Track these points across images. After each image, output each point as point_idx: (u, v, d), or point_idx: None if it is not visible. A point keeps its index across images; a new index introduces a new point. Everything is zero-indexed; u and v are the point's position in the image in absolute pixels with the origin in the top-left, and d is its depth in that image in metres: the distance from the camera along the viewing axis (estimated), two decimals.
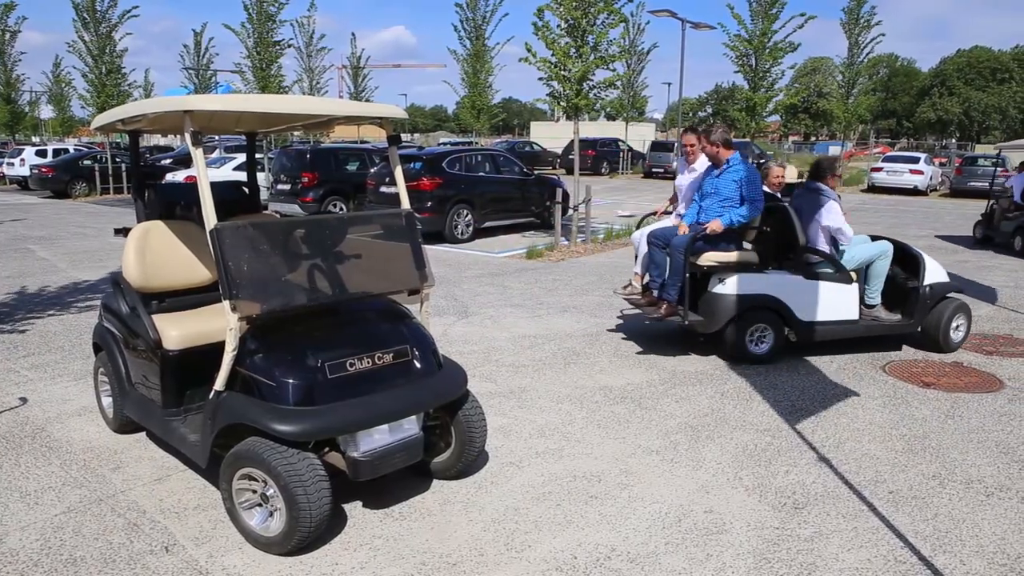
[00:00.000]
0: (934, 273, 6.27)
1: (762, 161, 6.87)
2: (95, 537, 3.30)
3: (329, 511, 3.11)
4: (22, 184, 24.75)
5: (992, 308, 7.96)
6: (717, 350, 6.27)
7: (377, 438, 3.32)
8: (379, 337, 3.55)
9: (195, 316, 4.04)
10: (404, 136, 49.39)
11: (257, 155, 5.45)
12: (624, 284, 6.63)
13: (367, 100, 31.10)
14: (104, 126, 4.18)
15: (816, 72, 70.41)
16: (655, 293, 6.12)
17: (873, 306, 6.20)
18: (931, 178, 25.94)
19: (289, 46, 22.42)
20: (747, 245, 6.09)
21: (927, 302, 6.20)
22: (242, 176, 5.43)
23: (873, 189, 25.82)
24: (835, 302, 6.00)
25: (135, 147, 4.69)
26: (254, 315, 3.18)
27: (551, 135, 42.39)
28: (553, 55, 11.94)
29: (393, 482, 3.78)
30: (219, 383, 3.27)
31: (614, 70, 12.55)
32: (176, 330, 3.83)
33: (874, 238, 6.40)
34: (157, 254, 4.07)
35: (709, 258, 5.84)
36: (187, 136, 3.22)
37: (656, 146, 34.41)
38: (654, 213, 7.41)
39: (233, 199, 4.80)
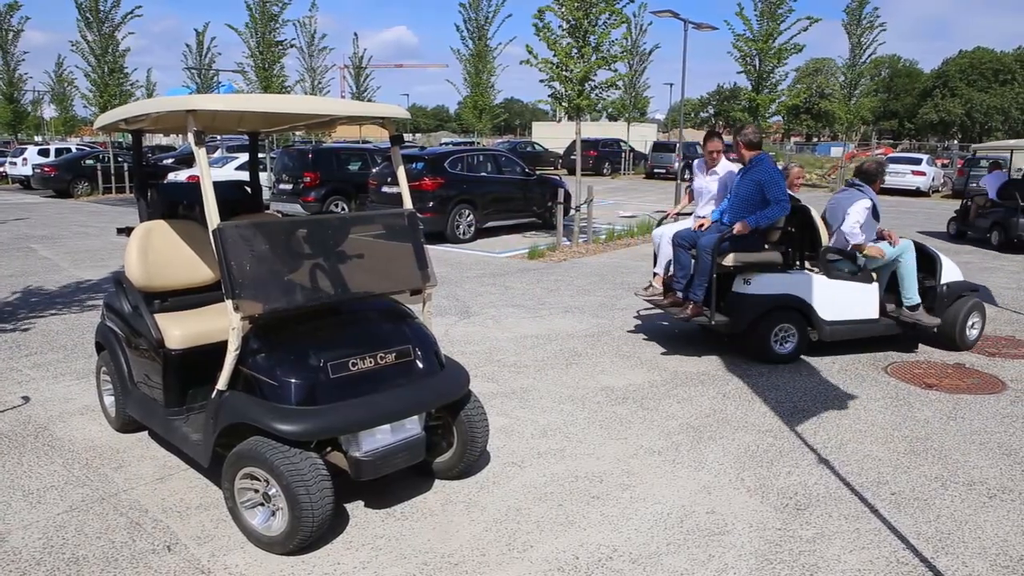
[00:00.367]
0: (950, 272, 6.38)
1: (787, 163, 6.94)
2: (97, 536, 3.30)
3: (331, 511, 3.11)
4: (24, 183, 24.80)
5: (994, 310, 7.95)
6: (723, 351, 6.28)
7: (379, 438, 3.32)
8: (381, 337, 3.55)
9: (197, 315, 4.05)
10: (406, 136, 49.40)
11: (259, 155, 5.45)
12: (645, 286, 6.64)
13: (369, 100, 31.12)
14: (107, 125, 4.19)
15: (818, 73, 70.34)
16: (679, 294, 6.12)
17: (915, 307, 6.11)
18: (933, 179, 25.92)
19: (291, 46, 22.44)
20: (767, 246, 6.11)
21: (944, 301, 6.28)
22: (244, 176, 5.44)
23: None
24: (856, 302, 6.06)
25: (138, 146, 4.69)
26: (256, 315, 3.18)
27: (553, 135, 42.37)
28: (555, 56, 11.94)
29: (395, 482, 3.78)
30: (221, 382, 3.28)
31: (616, 70, 12.55)
32: (178, 329, 3.83)
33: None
34: (160, 253, 4.07)
35: (733, 259, 5.85)
36: (190, 136, 3.22)
37: (658, 147, 34.39)
38: (667, 215, 7.43)
39: (235, 199, 4.81)
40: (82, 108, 32.16)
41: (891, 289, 6.26)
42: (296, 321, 3.42)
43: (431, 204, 12.34)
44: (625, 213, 17.87)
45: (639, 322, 7.32)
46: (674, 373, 5.78)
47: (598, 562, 3.14)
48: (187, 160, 23.65)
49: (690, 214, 6.93)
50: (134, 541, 3.26)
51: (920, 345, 6.54)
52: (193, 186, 3.91)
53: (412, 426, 3.46)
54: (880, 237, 6.25)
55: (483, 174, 13.82)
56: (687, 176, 24.75)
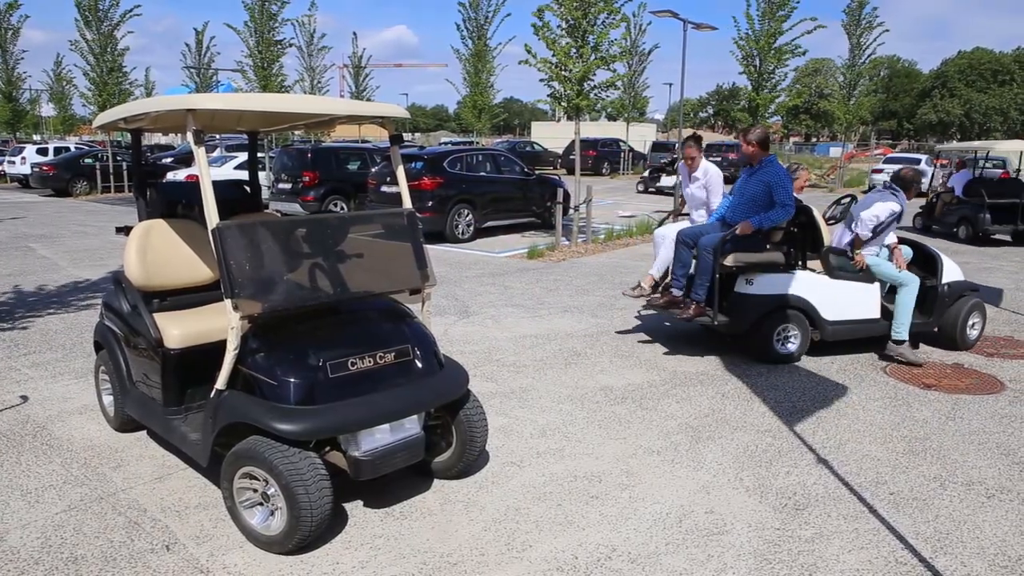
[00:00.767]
0: (951, 272, 6.38)
1: (794, 165, 6.94)
2: (96, 535, 3.30)
3: (330, 510, 3.11)
4: (23, 182, 24.78)
5: (993, 310, 7.95)
6: (722, 351, 6.28)
7: (378, 437, 3.32)
8: (380, 336, 3.55)
9: (196, 315, 4.04)
10: (405, 136, 49.37)
11: (258, 154, 5.45)
12: (633, 285, 6.60)
13: (368, 99, 31.10)
14: (106, 124, 4.18)
15: (817, 73, 70.41)
16: (675, 292, 6.10)
17: (900, 342, 5.98)
18: (932, 179, 25.91)
19: (290, 45, 22.42)
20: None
21: (945, 300, 6.28)
22: (243, 175, 5.43)
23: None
24: (858, 302, 6.07)
25: (137, 146, 4.69)
26: (255, 314, 3.18)
27: (552, 135, 42.36)
28: (554, 55, 11.94)
29: (394, 481, 3.78)
30: (220, 382, 3.27)
31: (615, 70, 12.55)
32: (177, 329, 3.83)
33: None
34: (158, 253, 4.07)
35: (736, 259, 5.85)
36: (189, 135, 3.22)
37: (657, 147, 34.39)
38: (667, 216, 7.44)
39: (234, 198, 4.80)
40: (81, 107, 32.18)
41: (893, 290, 6.26)
42: (295, 321, 3.42)
43: (430, 204, 12.34)
44: (624, 213, 17.87)
45: (638, 322, 7.32)
46: (673, 373, 5.78)
47: (597, 562, 3.14)
48: (186, 159, 23.65)
49: (688, 214, 6.95)
50: (133, 540, 3.26)
51: (920, 345, 6.54)
52: (192, 185, 3.91)
53: (411, 426, 3.46)
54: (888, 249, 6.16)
55: (482, 174, 13.82)
56: (653, 174, 24.78)
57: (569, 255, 11.48)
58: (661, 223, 7.15)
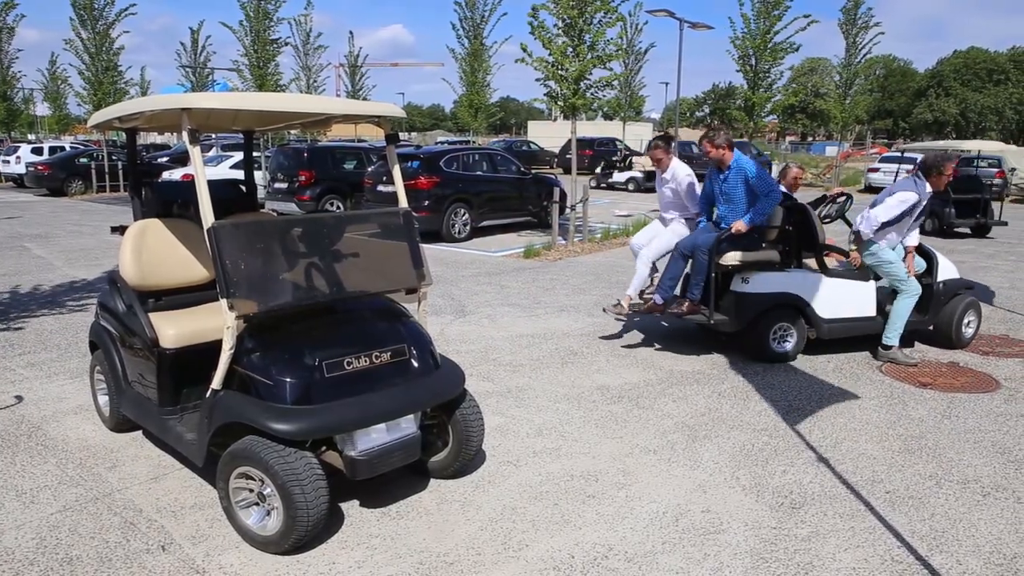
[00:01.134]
0: (946, 270, 6.38)
1: (785, 163, 6.97)
2: (91, 536, 3.29)
3: (326, 510, 3.11)
4: (18, 182, 24.69)
5: (988, 308, 7.97)
6: (718, 350, 6.28)
7: (375, 437, 3.31)
8: (377, 336, 3.54)
9: (192, 314, 4.03)
10: (402, 135, 49.35)
11: (254, 153, 5.43)
12: (613, 303, 6.50)
13: (365, 99, 31.05)
14: (101, 124, 4.17)
15: (813, 72, 70.56)
16: (657, 300, 6.12)
17: (888, 347, 5.99)
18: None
19: (286, 44, 22.40)
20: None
21: (940, 298, 6.29)
22: (239, 174, 5.41)
23: (870, 189, 25.84)
24: (854, 299, 6.08)
25: (132, 145, 4.67)
26: (251, 313, 3.17)
27: (548, 134, 42.38)
28: (550, 54, 11.93)
29: (390, 481, 3.78)
30: (216, 382, 3.27)
31: (611, 69, 12.54)
32: (173, 328, 3.82)
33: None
34: (154, 252, 4.05)
35: (731, 258, 5.85)
36: (185, 134, 3.21)
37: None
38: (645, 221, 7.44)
39: (230, 197, 4.79)
40: (76, 106, 32.05)
41: (894, 291, 6.26)
42: (291, 320, 3.42)
43: (426, 203, 12.33)
44: (620, 212, 17.88)
45: (635, 321, 7.33)
46: (669, 372, 5.78)
47: (593, 561, 3.14)
48: (182, 159, 23.59)
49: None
50: (128, 541, 3.25)
51: (915, 344, 6.56)
52: (188, 185, 3.89)
53: (407, 425, 3.45)
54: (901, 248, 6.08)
55: (479, 173, 13.81)
56: (605, 171, 24.84)
57: (565, 254, 11.48)
58: (638, 229, 7.16)
